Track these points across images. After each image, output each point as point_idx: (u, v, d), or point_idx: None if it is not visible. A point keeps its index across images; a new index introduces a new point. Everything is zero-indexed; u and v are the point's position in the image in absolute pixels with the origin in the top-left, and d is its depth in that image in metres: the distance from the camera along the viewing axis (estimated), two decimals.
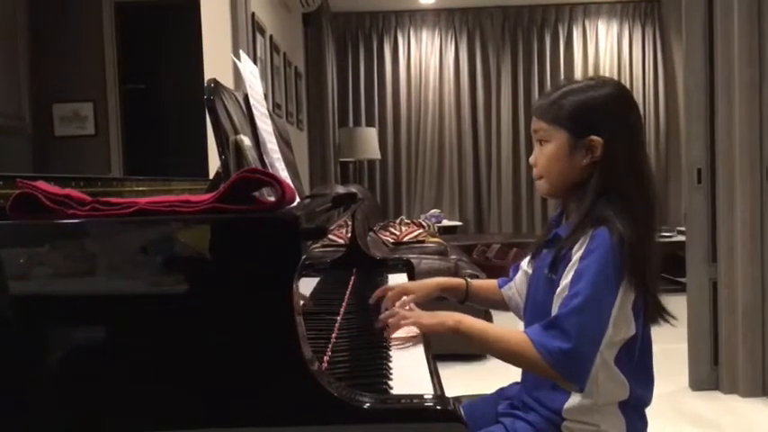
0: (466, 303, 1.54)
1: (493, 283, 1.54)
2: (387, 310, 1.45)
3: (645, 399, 1.27)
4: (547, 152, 1.27)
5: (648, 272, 1.20)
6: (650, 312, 1.24)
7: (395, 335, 1.26)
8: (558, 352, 1.13)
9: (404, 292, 1.49)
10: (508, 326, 1.27)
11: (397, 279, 1.87)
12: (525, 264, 1.44)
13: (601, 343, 1.16)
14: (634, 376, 1.23)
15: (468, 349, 3.46)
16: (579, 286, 1.15)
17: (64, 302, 0.90)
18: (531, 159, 1.31)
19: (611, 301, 1.16)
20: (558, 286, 1.20)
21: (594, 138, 1.22)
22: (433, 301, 1.51)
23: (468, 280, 1.54)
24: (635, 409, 1.26)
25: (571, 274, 1.17)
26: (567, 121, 1.24)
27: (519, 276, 1.46)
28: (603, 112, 1.23)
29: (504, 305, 1.50)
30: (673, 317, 1.26)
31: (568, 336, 1.13)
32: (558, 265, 1.23)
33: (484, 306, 1.57)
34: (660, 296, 1.24)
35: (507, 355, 1.22)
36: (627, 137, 1.23)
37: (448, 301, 1.55)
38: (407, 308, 1.35)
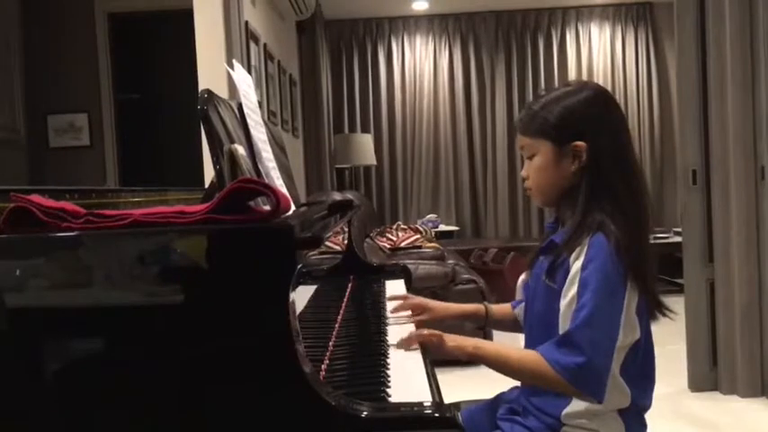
0: (486, 329, 1.54)
1: (507, 306, 1.53)
2: (393, 311, 1.47)
3: (645, 405, 1.27)
4: (535, 165, 1.27)
5: (647, 269, 1.20)
6: (650, 308, 1.23)
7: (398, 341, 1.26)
8: (574, 367, 1.13)
9: (424, 307, 1.49)
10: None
11: (395, 285, 1.87)
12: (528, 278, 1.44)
13: (614, 352, 1.15)
14: (636, 384, 1.22)
15: None
16: (585, 298, 1.14)
17: (59, 315, 0.89)
18: (523, 173, 1.32)
19: (619, 308, 1.16)
20: (557, 294, 1.20)
21: (578, 143, 1.22)
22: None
23: (487, 305, 1.54)
24: (635, 414, 1.25)
25: (575, 286, 1.16)
26: (550, 132, 1.24)
27: None
28: (583, 116, 1.23)
29: (520, 327, 1.48)
30: (671, 311, 1.26)
31: (581, 350, 1.12)
32: (555, 272, 1.22)
33: (503, 330, 1.56)
34: (658, 292, 1.24)
35: (525, 376, 1.23)
36: (610, 137, 1.23)
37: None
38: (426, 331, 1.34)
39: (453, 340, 1.23)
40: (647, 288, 1.19)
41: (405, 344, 1.24)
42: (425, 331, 1.25)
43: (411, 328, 1.42)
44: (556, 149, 1.24)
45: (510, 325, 1.52)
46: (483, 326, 1.54)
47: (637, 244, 1.18)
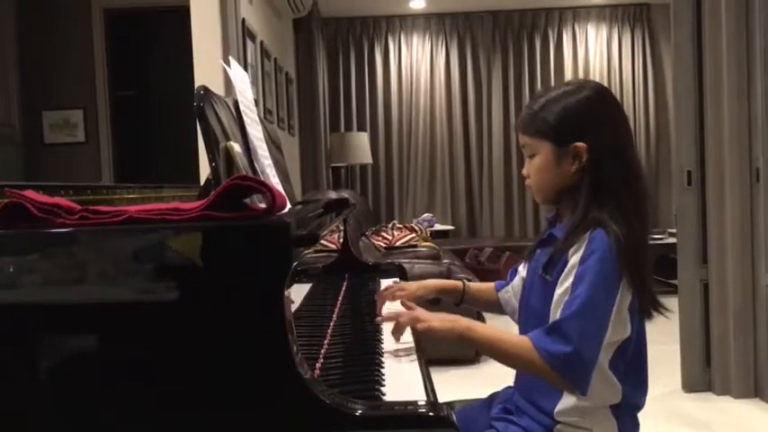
0: (462, 305, 1.54)
1: (490, 286, 1.54)
2: (381, 306, 1.46)
3: (637, 403, 1.27)
4: (536, 164, 1.28)
5: (645, 269, 1.20)
6: (646, 307, 1.24)
7: (393, 346, 1.25)
8: (560, 355, 1.13)
9: (400, 290, 1.49)
10: (501, 328, 1.27)
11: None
12: (522, 268, 1.45)
13: (602, 345, 1.16)
14: (627, 380, 1.23)
15: (461, 354, 3.46)
16: (579, 289, 1.15)
17: (53, 312, 0.89)
18: (524, 171, 1.32)
19: (611, 303, 1.16)
20: (554, 288, 1.20)
21: (579, 144, 1.22)
22: (427, 302, 1.52)
23: (466, 282, 1.54)
24: (627, 412, 1.26)
25: (571, 277, 1.17)
26: (550, 133, 1.24)
27: (516, 281, 1.46)
28: (584, 117, 1.23)
29: (500, 308, 1.50)
30: (667, 309, 1.26)
31: (569, 339, 1.13)
32: (553, 266, 1.23)
33: (480, 309, 1.58)
34: (655, 293, 1.25)
35: (512, 361, 1.22)
36: (611, 137, 1.24)
37: (442, 302, 1.55)
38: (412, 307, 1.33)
39: (441, 321, 1.21)
40: (644, 287, 1.20)
41: (394, 333, 1.24)
42: (407, 314, 1.22)
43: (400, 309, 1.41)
44: (556, 150, 1.24)
45: (490, 305, 1.52)
46: (459, 302, 1.53)
47: (636, 243, 1.19)
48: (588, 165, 1.22)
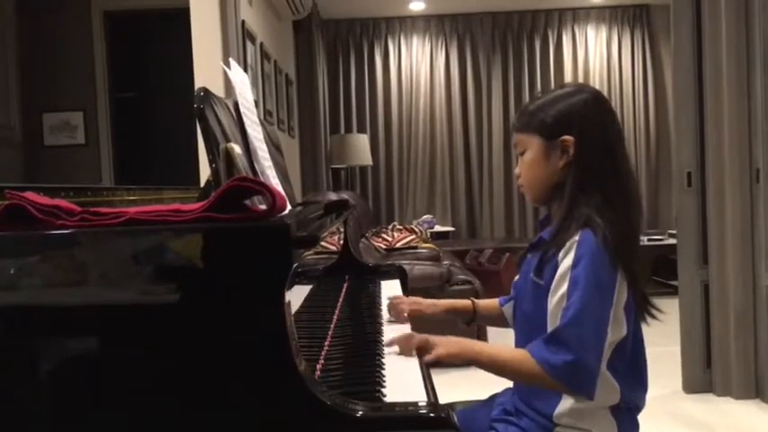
0: (473, 324, 1.57)
1: (494, 301, 1.55)
2: (390, 313, 1.49)
3: (637, 403, 1.27)
4: (526, 160, 1.30)
5: (636, 264, 1.20)
6: (639, 308, 1.24)
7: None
8: (562, 365, 1.13)
9: (415, 304, 1.52)
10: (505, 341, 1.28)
11: (390, 285, 1.87)
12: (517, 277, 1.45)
13: (603, 349, 1.15)
14: (625, 380, 1.23)
15: None
16: (575, 296, 1.15)
17: (54, 314, 0.89)
18: (516, 170, 1.34)
19: (608, 306, 1.16)
20: (545, 291, 1.20)
21: (566, 137, 1.24)
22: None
23: (475, 301, 1.56)
24: (627, 413, 1.26)
25: (565, 284, 1.17)
26: (540, 127, 1.26)
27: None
28: (575, 115, 1.25)
29: (505, 322, 1.51)
30: (659, 310, 1.26)
31: (569, 347, 1.13)
32: (543, 269, 1.23)
33: (489, 324, 1.61)
34: (647, 293, 1.25)
35: (518, 376, 1.24)
36: (600, 136, 1.25)
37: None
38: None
39: (447, 347, 1.20)
40: (634, 282, 1.20)
41: (401, 351, 1.22)
42: (417, 337, 1.22)
43: (407, 328, 1.42)
44: (545, 144, 1.26)
45: (497, 320, 1.55)
46: (471, 321, 1.56)
47: (625, 239, 1.19)
48: (575, 159, 1.23)
